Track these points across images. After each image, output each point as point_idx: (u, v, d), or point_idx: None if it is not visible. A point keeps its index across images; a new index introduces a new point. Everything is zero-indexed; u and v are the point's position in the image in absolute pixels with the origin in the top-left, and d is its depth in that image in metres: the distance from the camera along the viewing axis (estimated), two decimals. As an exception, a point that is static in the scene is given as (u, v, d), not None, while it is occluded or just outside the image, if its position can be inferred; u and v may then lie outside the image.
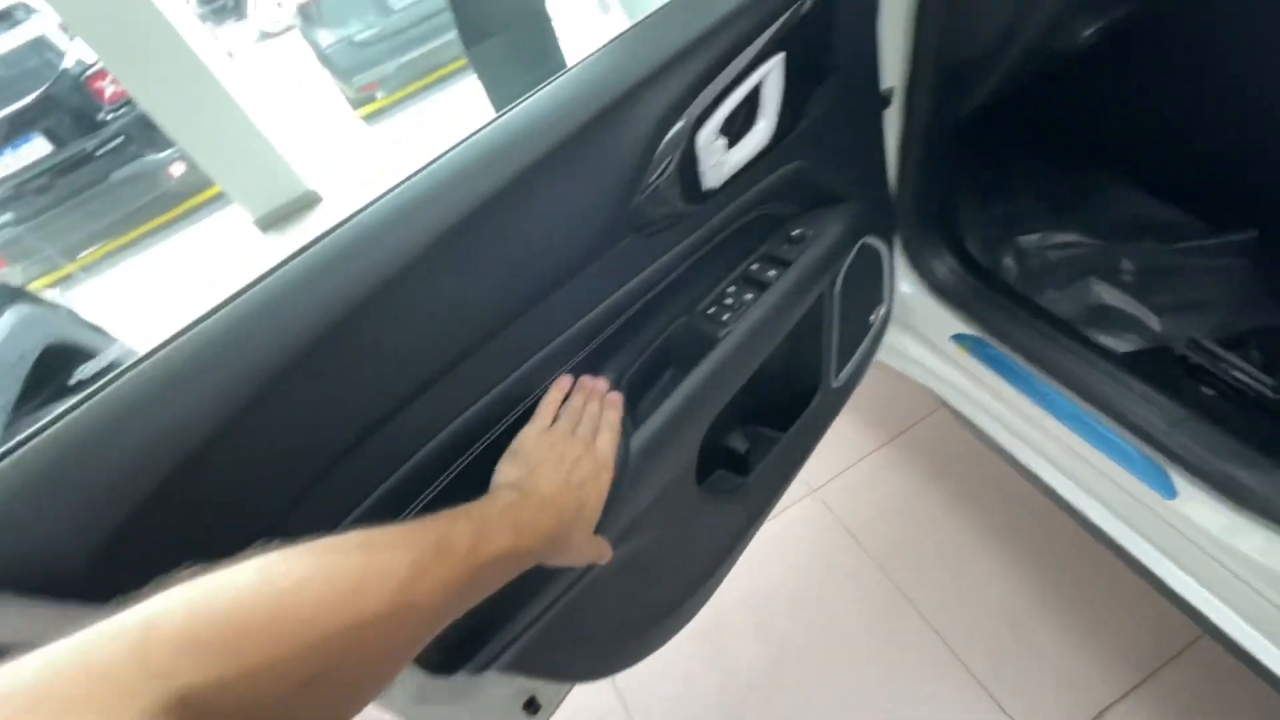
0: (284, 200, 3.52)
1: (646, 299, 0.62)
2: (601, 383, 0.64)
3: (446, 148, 0.52)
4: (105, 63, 3.15)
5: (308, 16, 4.58)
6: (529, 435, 0.59)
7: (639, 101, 0.52)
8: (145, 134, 4.10)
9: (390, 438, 0.51)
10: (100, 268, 4.38)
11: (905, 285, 1.13)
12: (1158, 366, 1.01)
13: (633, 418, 0.63)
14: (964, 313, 1.11)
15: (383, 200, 0.49)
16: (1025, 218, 1.25)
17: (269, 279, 0.45)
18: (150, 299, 3.73)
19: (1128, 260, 1.15)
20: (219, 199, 4.00)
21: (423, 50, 4.64)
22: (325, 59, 4.64)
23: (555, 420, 0.60)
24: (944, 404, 1.13)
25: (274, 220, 3.53)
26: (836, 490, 1.45)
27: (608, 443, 0.60)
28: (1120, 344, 1.07)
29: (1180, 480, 0.85)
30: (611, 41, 0.56)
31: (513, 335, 0.54)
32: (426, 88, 4.85)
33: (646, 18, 0.57)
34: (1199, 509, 0.83)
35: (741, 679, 1.25)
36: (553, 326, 0.58)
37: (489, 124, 0.53)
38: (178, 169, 4.30)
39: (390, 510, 0.52)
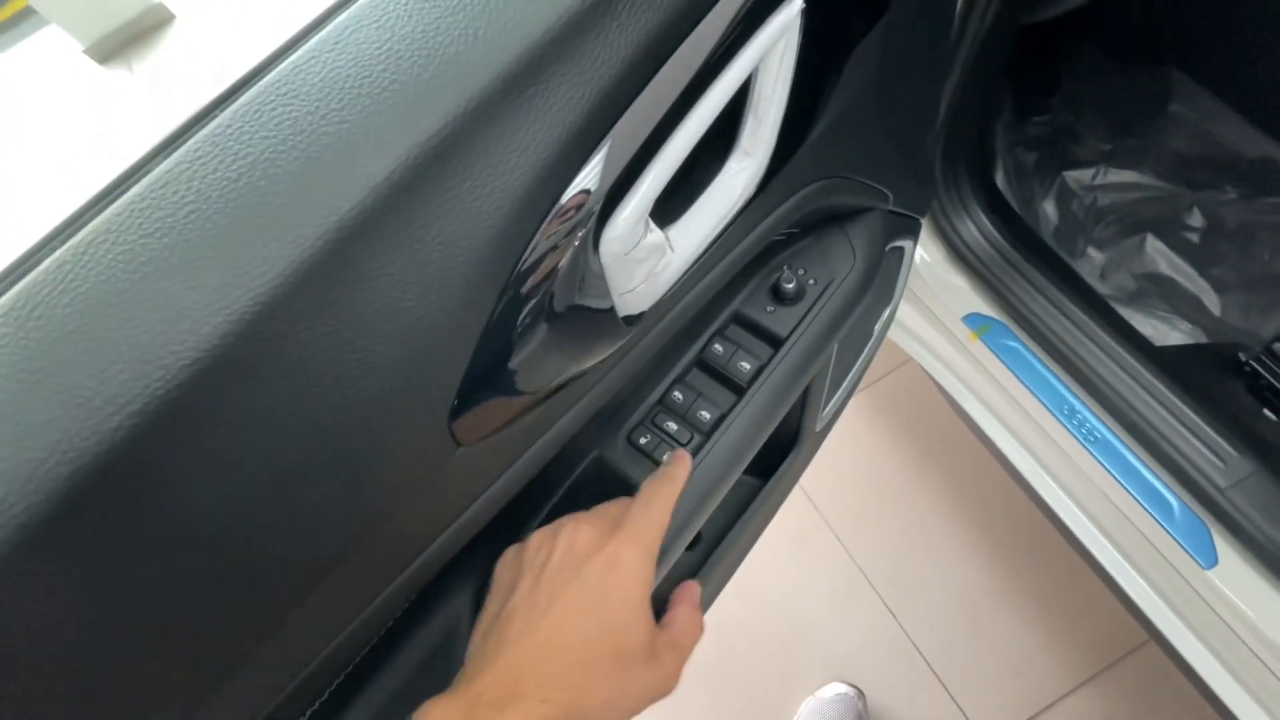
0: (121, 20, 2.63)
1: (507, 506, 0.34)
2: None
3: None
4: None
5: None
6: (496, 566, 0.35)
7: (461, 163, 0.21)
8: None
9: None
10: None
11: (920, 251, 0.86)
12: (1214, 372, 0.81)
13: None
14: (983, 285, 0.86)
15: None
16: (1076, 141, 0.95)
17: None
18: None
19: (1197, 212, 0.89)
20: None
21: None
22: None
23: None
24: (942, 394, 0.92)
25: (113, 48, 2.66)
26: (797, 445, 1.28)
27: (649, 503, 0.35)
28: (1170, 332, 0.85)
29: (1225, 547, 0.69)
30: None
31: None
32: None
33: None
34: (1241, 586, 0.68)
35: (681, 661, 1.16)
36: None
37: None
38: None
39: None
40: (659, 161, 0.26)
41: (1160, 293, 0.87)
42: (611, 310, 0.29)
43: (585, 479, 0.41)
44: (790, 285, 0.44)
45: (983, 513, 1.17)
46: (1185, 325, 0.84)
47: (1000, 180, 0.95)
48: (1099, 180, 0.92)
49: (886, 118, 0.43)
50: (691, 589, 0.39)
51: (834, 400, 0.69)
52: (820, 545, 1.20)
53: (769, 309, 0.44)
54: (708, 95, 0.27)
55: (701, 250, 0.33)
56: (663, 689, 0.34)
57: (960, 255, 0.86)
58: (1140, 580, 0.76)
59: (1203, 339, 0.83)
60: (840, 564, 1.18)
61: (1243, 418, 0.74)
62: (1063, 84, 1.00)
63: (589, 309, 0.28)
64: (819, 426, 0.68)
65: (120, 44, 2.64)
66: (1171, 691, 1.01)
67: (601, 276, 0.27)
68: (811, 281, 0.46)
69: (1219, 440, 0.70)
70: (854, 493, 1.22)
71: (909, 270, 0.70)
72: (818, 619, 1.16)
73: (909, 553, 1.17)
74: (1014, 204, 0.94)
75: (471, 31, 0.21)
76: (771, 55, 0.29)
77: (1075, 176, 0.92)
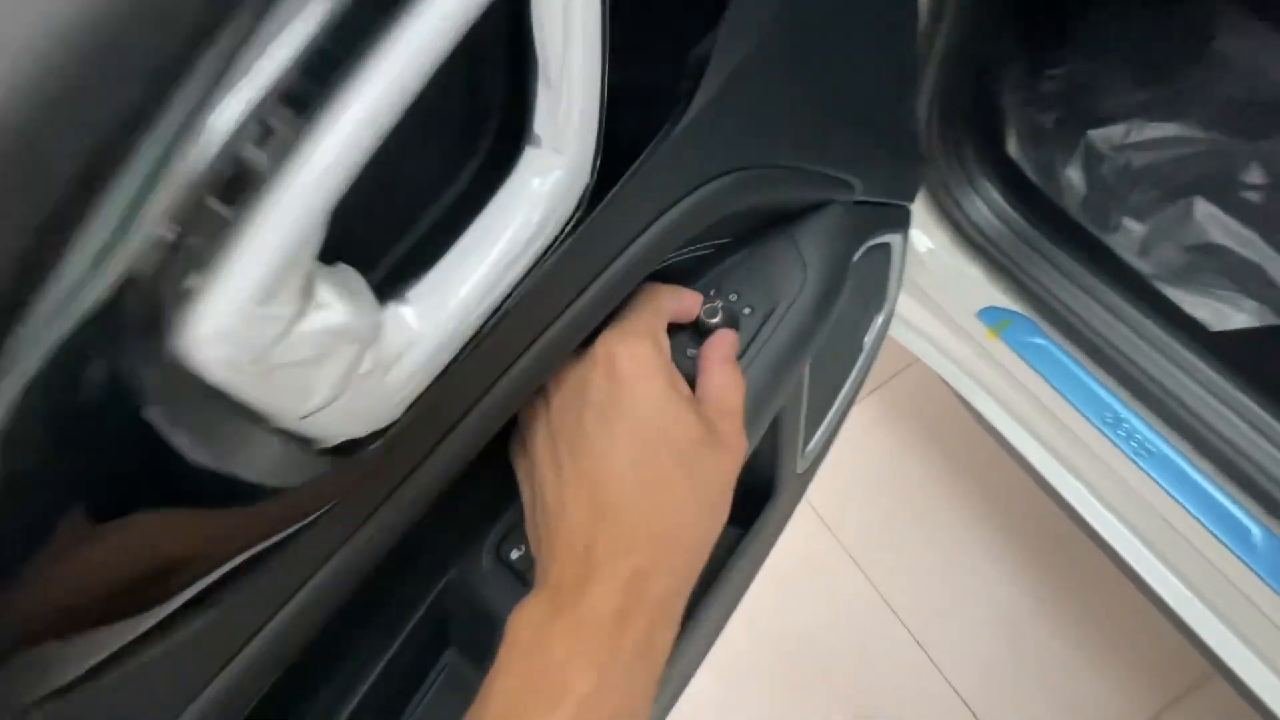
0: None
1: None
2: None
3: None
4: None
5: None
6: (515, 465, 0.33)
7: None
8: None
9: None
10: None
11: (923, 238, 0.74)
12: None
13: None
14: (1000, 274, 0.74)
15: None
16: (1101, 93, 0.82)
17: None
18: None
19: (1256, 166, 0.76)
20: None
21: None
22: None
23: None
24: (960, 400, 0.80)
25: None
26: (806, 458, 1.18)
27: (635, 299, 0.32)
28: (1232, 313, 0.72)
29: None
30: None
31: None
32: None
33: None
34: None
35: (687, 711, 1.06)
36: None
37: None
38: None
39: None
40: (291, 191, 0.14)
41: (1216, 267, 0.74)
42: (284, 447, 0.18)
43: (435, 614, 0.30)
44: (715, 319, 0.33)
45: (1017, 523, 1.04)
46: (1250, 304, 0.71)
47: (1013, 147, 0.82)
48: (1132, 138, 0.79)
49: (823, 83, 0.31)
50: (715, 344, 0.34)
51: (819, 434, 0.58)
52: (836, 571, 1.08)
53: (689, 352, 0.33)
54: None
55: (486, 313, 0.21)
56: (735, 459, 0.32)
57: (970, 240, 0.74)
58: (1212, 617, 0.63)
59: (1271, 319, 0.70)
60: (859, 591, 1.07)
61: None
62: (1080, 27, 0.87)
63: (226, 457, 0.16)
64: (801, 467, 0.56)
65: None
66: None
67: (216, 400, 0.15)
68: (747, 310, 0.34)
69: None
70: (870, 510, 1.11)
71: (902, 267, 0.58)
72: (837, 654, 1.05)
73: (935, 574, 1.05)
74: (1031, 174, 0.81)
75: None
76: None
77: (1103, 135, 0.79)
